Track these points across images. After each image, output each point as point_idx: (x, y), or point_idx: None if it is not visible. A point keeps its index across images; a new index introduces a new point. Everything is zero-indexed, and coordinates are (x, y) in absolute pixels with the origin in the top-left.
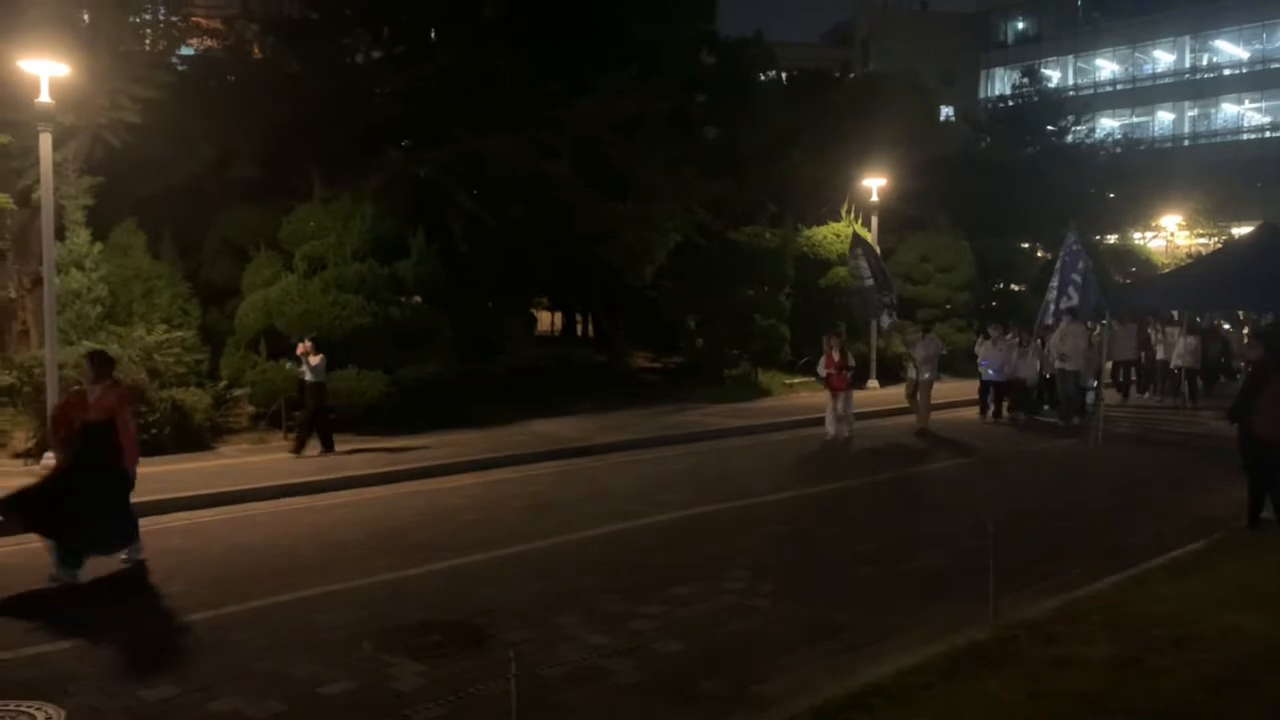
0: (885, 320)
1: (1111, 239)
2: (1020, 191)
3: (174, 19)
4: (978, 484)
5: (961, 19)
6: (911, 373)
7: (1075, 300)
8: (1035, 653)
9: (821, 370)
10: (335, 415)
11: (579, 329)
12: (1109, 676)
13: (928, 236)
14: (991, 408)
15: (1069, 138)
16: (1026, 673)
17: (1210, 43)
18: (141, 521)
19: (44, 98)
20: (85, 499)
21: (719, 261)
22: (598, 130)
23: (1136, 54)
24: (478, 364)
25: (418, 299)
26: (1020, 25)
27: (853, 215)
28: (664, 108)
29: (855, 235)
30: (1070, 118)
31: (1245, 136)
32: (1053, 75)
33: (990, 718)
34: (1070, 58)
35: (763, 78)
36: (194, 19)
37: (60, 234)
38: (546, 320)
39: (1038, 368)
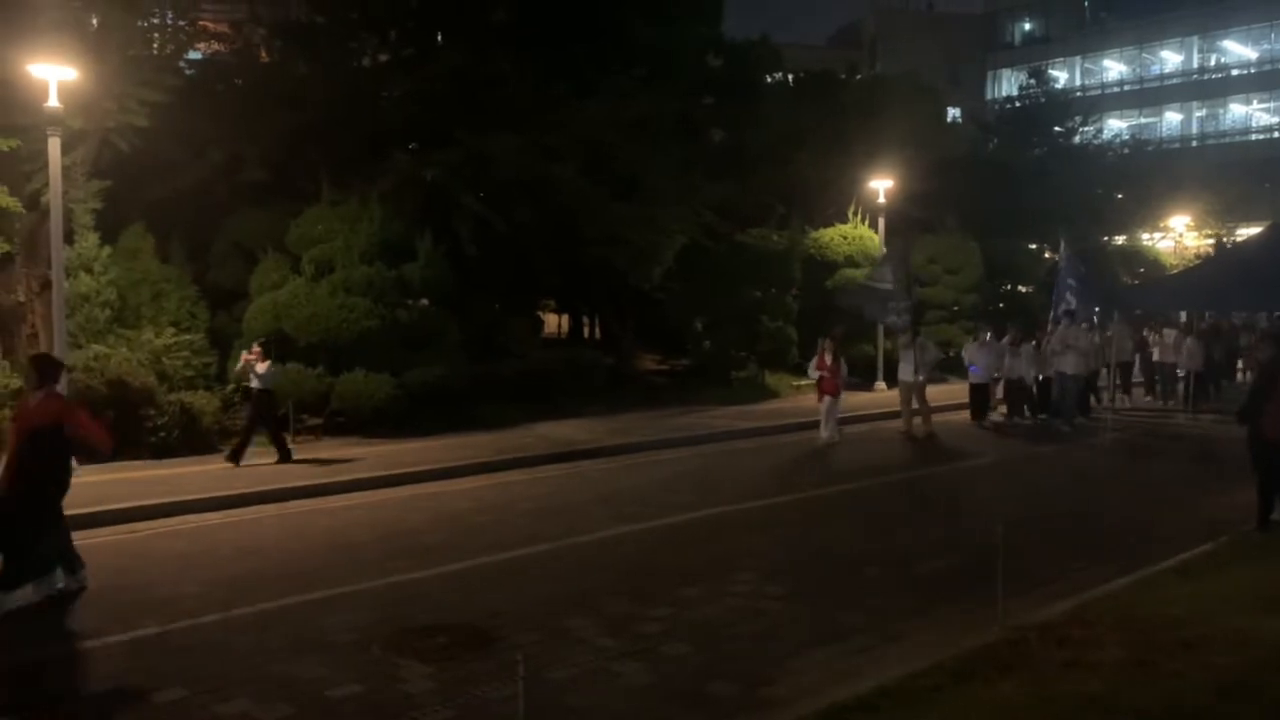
0: (896, 322)
1: (1120, 240)
2: (1028, 193)
3: (181, 23)
4: (985, 487)
5: (968, 20)
6: (905, 376)
7: (1074, 304)
8: (1045, 655)
9: (813, 372)
10: (283, 415)
11: (586, 331)
12: (1120, 679)
13: (935, 238)
14: (984, 411)
15: (1076, 139)
16: (1037, 675)
17: (1218, 43)
18: (151, 524)
19: (53, 102)
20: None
21: (726, 264)
22: (604, 133)
23: (1144, 55)
24: (485, 366)
25: (425, 302)
26: (1027, 26)
27: (860, 217)
28: (671, 110)
29: (892, 247)
30: (1078, 119)
31: (1254, 137)
32: (1060, 76)
33: None
34: (1077, 58)
35: (770, 80)
36: (201, 23)
37: (69, 237)
38: (554, 323)
39: (1033, 371)
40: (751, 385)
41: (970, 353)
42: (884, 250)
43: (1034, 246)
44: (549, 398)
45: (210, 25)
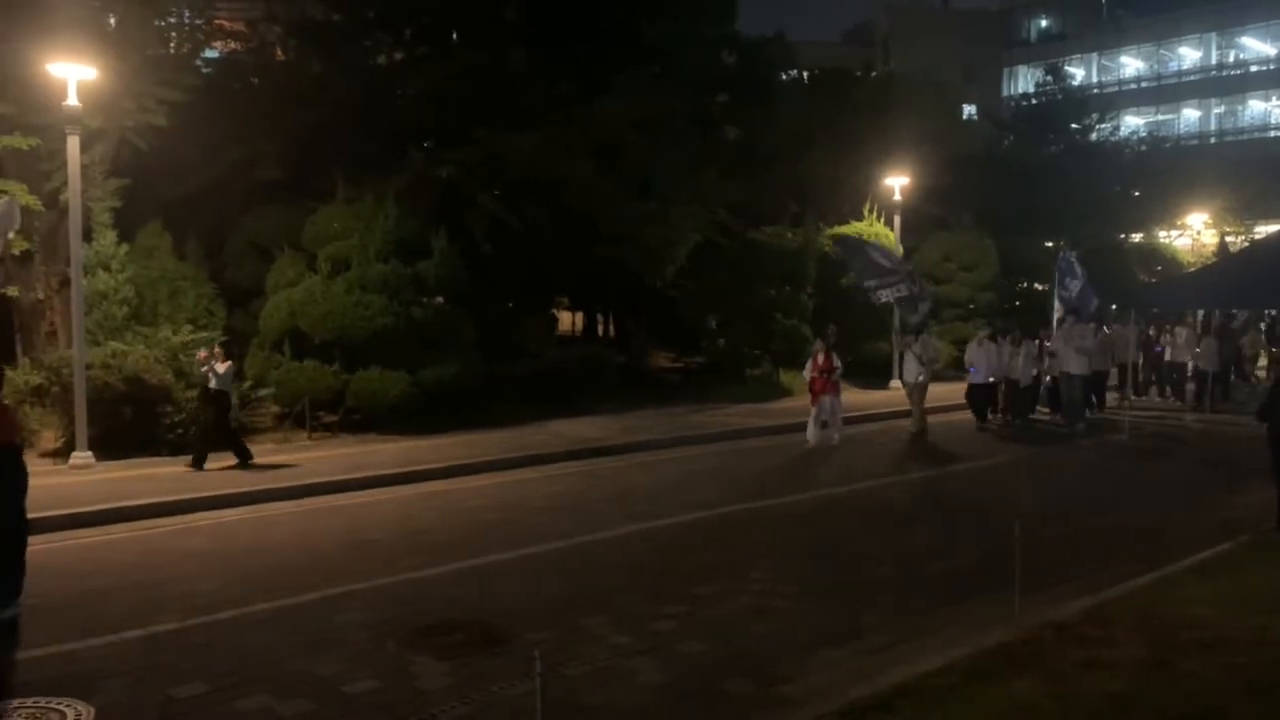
0: (915, 319)
1: (1137, 238)
2: (1044, 190)
3: (198, 22)
4: (997, 487)
5: (984, 16)
6: (908, 376)
7: (1072, 303)
8: (1063, 654)
9: (807, 373)
10: (236, 425)
11: (600, 329)
12: (1137, 679)
13: (951, 235)
14: (985, 413)
15: (1093, 136)
16: (1054, 674)
17: (1236, 39)
18: (168, 520)
19: (72, 101)
20: None
21: (740, 261)
22: (618, 131)
23: (1161, 51)
24: (499, 364)
25: (440, 300)
26: (1043, 23)
27: (875, 214)
28: (685, 108)
29: (843, 239)
30: (1094, 116)
31: (1273, 133)
32: (1076, 73)
33: (1017, 719)
34: (1094, 55)
35: (784, 77)
36: (217, 21)
37: (88, 235)
38: (568, 320)
39: (1033, 371)
40: (766, 383)
41: (970, 353)
42: (900, 248)
43: (1050, 244)
44: (563, 395)
45: (226, 24)
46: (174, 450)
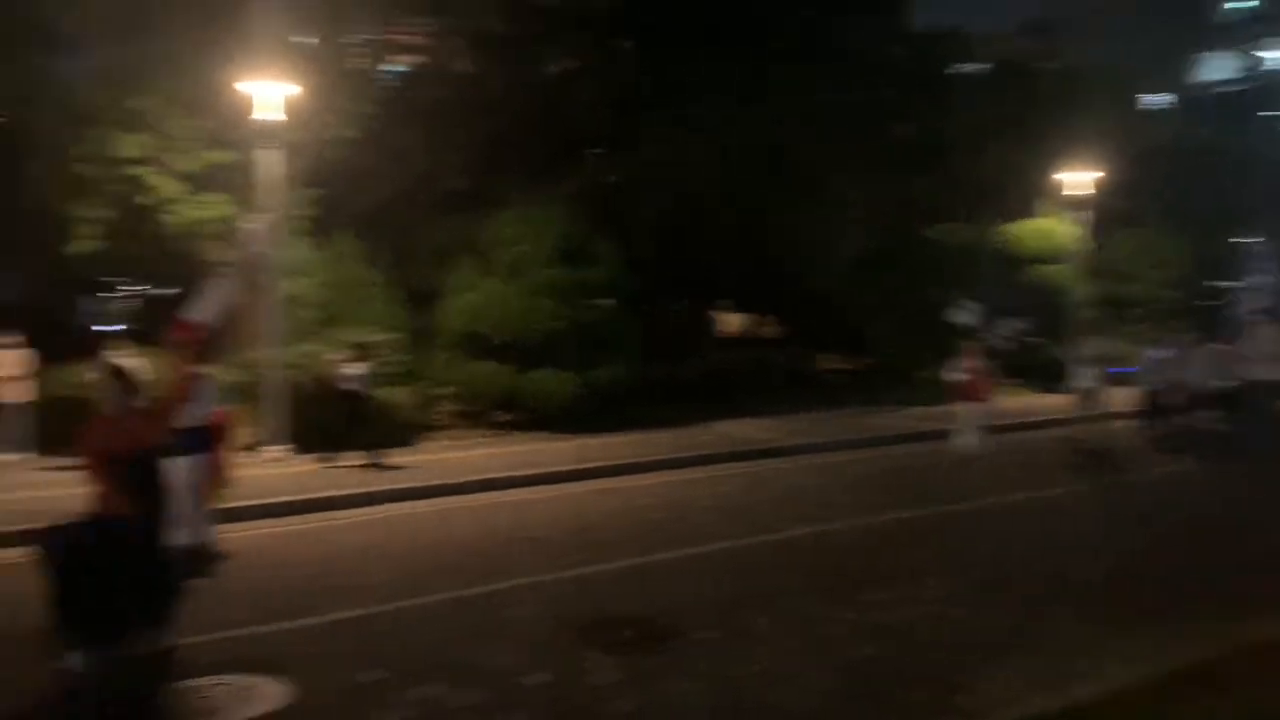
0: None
1: None
2: (1238, 182)
3: (384, 38)
4: (1180, 498)
5: (1173, 1)
6: (1083, 381)
7: (1267, 300)
8: (1258, 675)
9: (955, 375)
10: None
11: (765, 330)
12: None
13: (1136, 231)
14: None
15: None
16: (1250, 695)
17: None
18: (350, 512)
19: (278, 115)
20: None
21: (908, 260)
22: (787, 132)
23: None
24: (666, 365)
25: (608, 302)
26: (1238, 5)
27: (1056, 210)
28: (855, 104)
29: None
30: None
31: None
32: (1276, 58)
33: None
34: None
35: (959, 71)
36: (399, 37)
37: (285, 243)
38: (733, 322)
39: (1213, 376)
40: (935, 385)
41: (1143, 358)
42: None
43: (1247, 240)
44: (729, 397)
45: (409, 39)
46: (359, 445)
